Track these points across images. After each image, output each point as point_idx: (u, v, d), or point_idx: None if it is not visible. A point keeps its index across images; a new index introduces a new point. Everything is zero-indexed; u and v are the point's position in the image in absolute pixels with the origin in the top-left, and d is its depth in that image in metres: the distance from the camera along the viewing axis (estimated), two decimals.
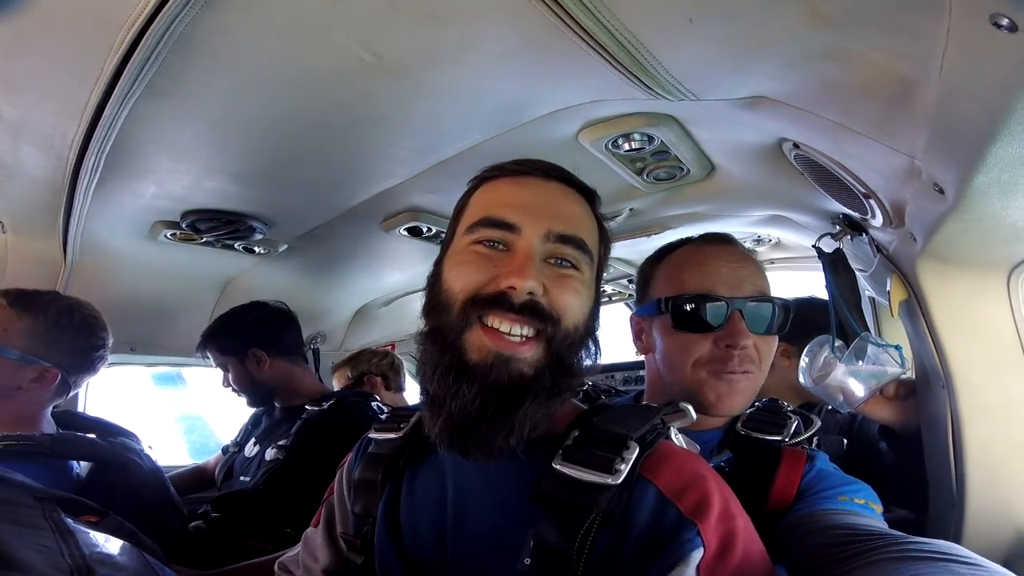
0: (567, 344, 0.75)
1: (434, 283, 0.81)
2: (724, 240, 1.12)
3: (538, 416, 0.73)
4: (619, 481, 0.68)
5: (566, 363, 0.76)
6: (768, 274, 1.12)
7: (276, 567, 1.04)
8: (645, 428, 0.74)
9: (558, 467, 0.71)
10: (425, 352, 0.78)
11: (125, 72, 0.88)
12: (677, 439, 0.80)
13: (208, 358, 2.05)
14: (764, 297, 1.04)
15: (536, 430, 0.74)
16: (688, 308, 1.04)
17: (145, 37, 0.80)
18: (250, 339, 2.01)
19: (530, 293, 0.72)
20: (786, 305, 1.05)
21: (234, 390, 2.05)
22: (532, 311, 0.73)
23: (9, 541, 0.72)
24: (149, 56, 0.85)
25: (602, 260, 0.88)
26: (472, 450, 0.73)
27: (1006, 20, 0.47)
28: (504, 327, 0.72)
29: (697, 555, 0.63)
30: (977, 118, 0.63)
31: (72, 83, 0.94)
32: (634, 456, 0.70)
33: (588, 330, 0.80)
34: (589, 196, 0.87)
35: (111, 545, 0.86)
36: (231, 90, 1.04)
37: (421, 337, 0.80)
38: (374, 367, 2.60)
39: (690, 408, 0.83)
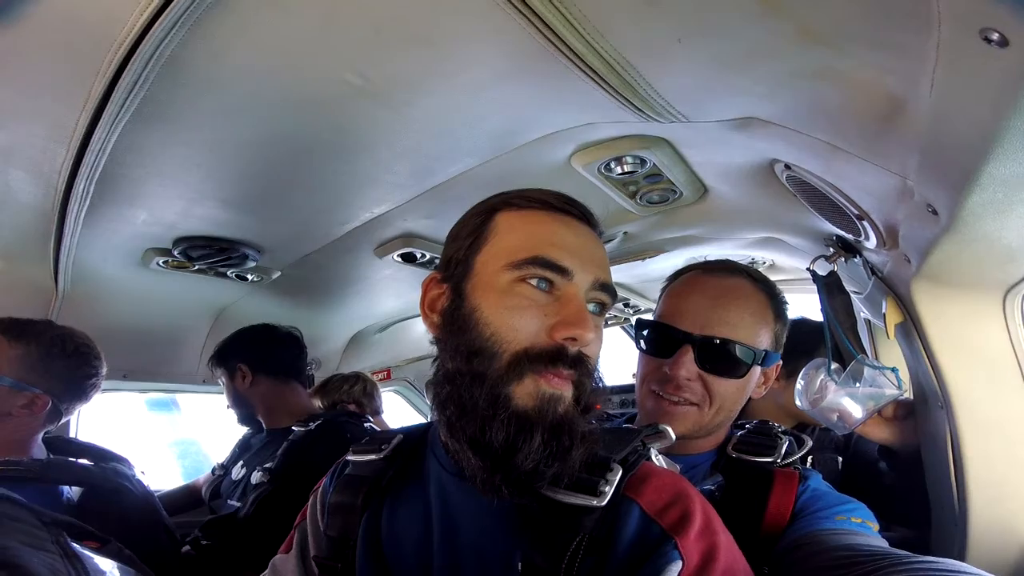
0: (590, 388, 0.75)
1: (468, 320, 0.75)
2: (721, 270, 1.12)
3: (584, 455, 0.72)
4: (604, 503, 0.69)
5: (588, 406, 0.75)
6: None
7: None
8: (627, 450, 0.76)
9: (544, 492, 0.71)
10: (464, 396, 0.73)
11: (113, 96, 0.88)
12: (657, 460, 0.81)
13: (214, 372, 2.13)
14: (719, 339, 1.03)
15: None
16: (647, 333, 1.10)
17: (132, 61, 0.79)
18: (238, 354, 2.06)
19: (585, 345, 0.73)
20: (751, 352, 1.04)
21: (235, 407, 2.10)
22: (582, 364, 0.73)
23: (32, 563, 0.71)
24: (137, 80, 0.84)
25: None
26: (524, 492, 0.71)
27: (996, 35, 0.46)
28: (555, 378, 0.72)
29: (675, 568, 0.64)
30: (969, 137, 0.63)
31: (60, 107, 0.94)
32: (617, 478, 0.71)
33: (598, 372, 0.80)
34: (601, 236, 0.88)
35: (117, 572, 0.85)
36: (220, 115, 1.03)
37: (456, 378, 0.75)
38: (345, 395, 2.50)
39: (669, 430, 0.83)
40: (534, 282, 0.73)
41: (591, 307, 0.77)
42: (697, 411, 1.04)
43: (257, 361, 2.05)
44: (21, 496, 1.05)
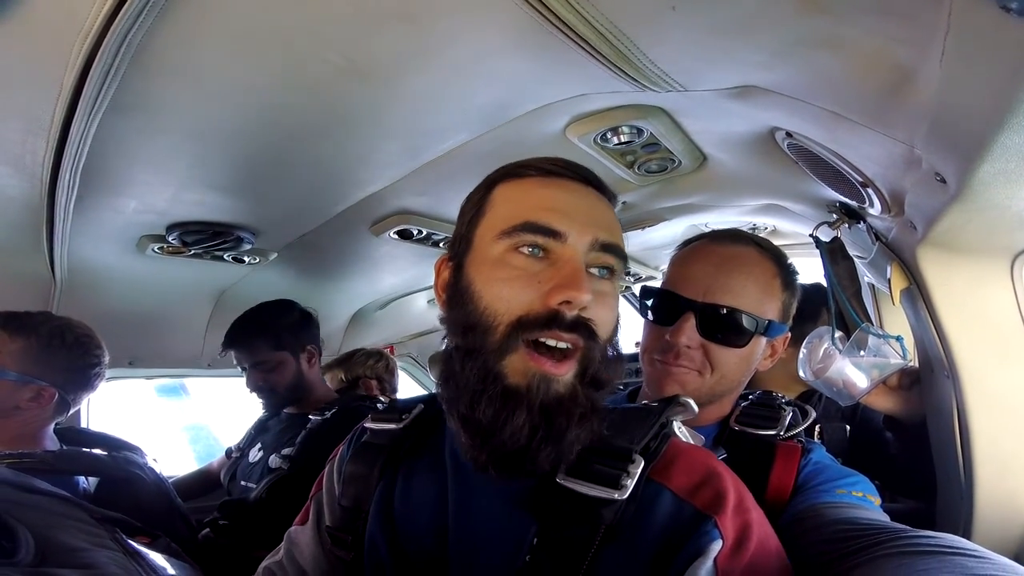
0: (600, 360, 0.72)
1: (463, 295, 0.74)
2: (728, 239, 1.10)
3: (584, 437, 0.70)
4: (625, 496, 0.66)
5: (598, 379, 0.72)
6: None
7: (262, 572, 0.99)
8: (648, 436, 0.72)
9: (562, 481, 0.70)
10: (458, 373, 0.72)
11: (86, 87, 0.84)
12: (681, 432, 0.78)
13: (246, 353, 2.00)
14: (722, 306, 1.01)
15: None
16: (650, 301, 1.09)
17: (100, 50, 0.76)
18: (304, 336, 2.01)
19: (583, 308, 0.69)
20: (754, 321, 1.02)
21: (263, 390, 2.00)
22: (583, 328, 0.69)
23: (110, 566, 0.71)
24: (108, 70, 0.81)
25: None
26: (518, 473, 0.71)
27: (1016, 3, 0.42)
28: (551, 342, 0.69)
29: (716, 547, 0.63)
30: (982, 107, 0.59)
31: (34, 100, 0.91)
32: (639, 470, 0.68)
33: (615, 343, 0.76)
34: (612, 200, 0.83)
35: (174, 566, 0.85)
36: (199, 101, 1.00)
37: (452, 354, 0.74)
38: (369, 370, 2.51)
39: (691, 402, 0.81)
40: (526, 250, 0.71)
41: (594, 271, 0.73)
42: (698, 376, 1.02)
43: (317, 344, 2.02)
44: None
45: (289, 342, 1.99)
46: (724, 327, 1.01)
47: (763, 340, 1.05)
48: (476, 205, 0.79)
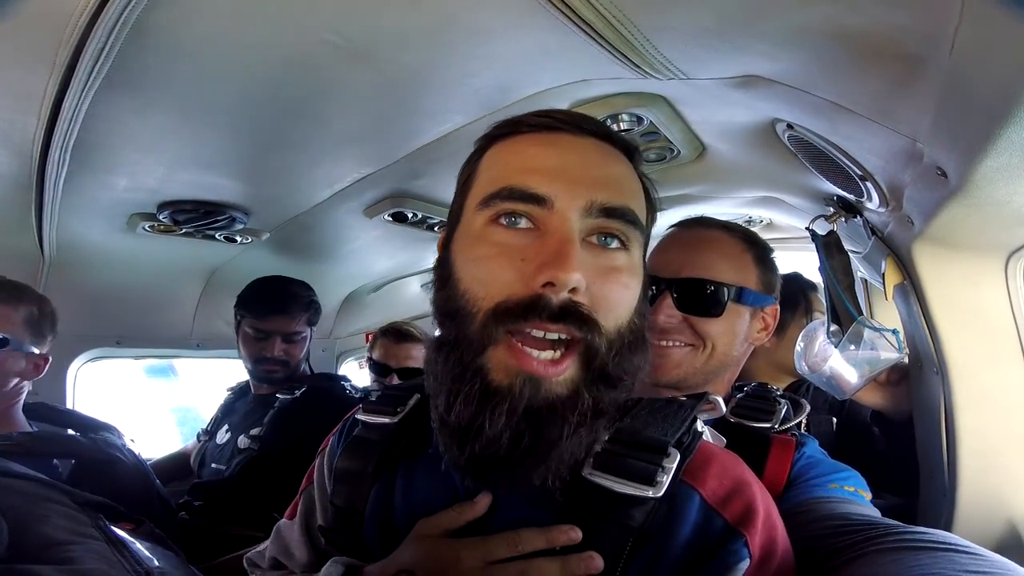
0: (611, 354, 0.62)
1: (445, 277, 0.66)
2: (695, 225, 1.14)
3: (579, 449, 0.61)
4: (660, 494, 0.60)
5: (610, 376, 0.62)
6: None
7: (245, 563, 0.95)
8: (682, 430, 0.66)
9: (589, 476, 0.63)
10: (439, 366, 0.64)
11: (79, 65, 0.83)
12: (704, 432, 0.75)
13: (288, 322, 2.00)
14: (692, 278, 1.04)
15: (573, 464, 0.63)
16: None
17: (95, 28, 0.74)
18: (319, 317, 2.15)
19: (572, 289, 0.58)
20: (724, 288, 1.04)
21: (281, 362, 1.99)
22: (573, 317, 0.59)
23: (81, 557, 0.68)
24: (102, 48, 0.79)
25: (648, 235, 0.73)
26: (500, 487, 0.64)
27: None
28: (538, 333, 0.59)
29: (744, 566, 0.59)
30: (990, 100, 0.59)
31: (25, 78, 0.89)
32: (675, 465, 0.62)
33: (635, 327, 0.65)
34: (630, 153, 0.71)
35: (159, 555, 0.81)
36: (195, 79, 0.98)
37: (434, 346, 0.66)
38: None
39: (719, 399, 0.79)
40: (505, 220, 0.62)
41: (595, 240, 0.63)
42: (692, 352, 1.04)
43: None
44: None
45: (313, 320, 2.08)
46: (698, 297, 1.04)
47: (745, 310, 1.06)
48: (465, 176, 0.71)
